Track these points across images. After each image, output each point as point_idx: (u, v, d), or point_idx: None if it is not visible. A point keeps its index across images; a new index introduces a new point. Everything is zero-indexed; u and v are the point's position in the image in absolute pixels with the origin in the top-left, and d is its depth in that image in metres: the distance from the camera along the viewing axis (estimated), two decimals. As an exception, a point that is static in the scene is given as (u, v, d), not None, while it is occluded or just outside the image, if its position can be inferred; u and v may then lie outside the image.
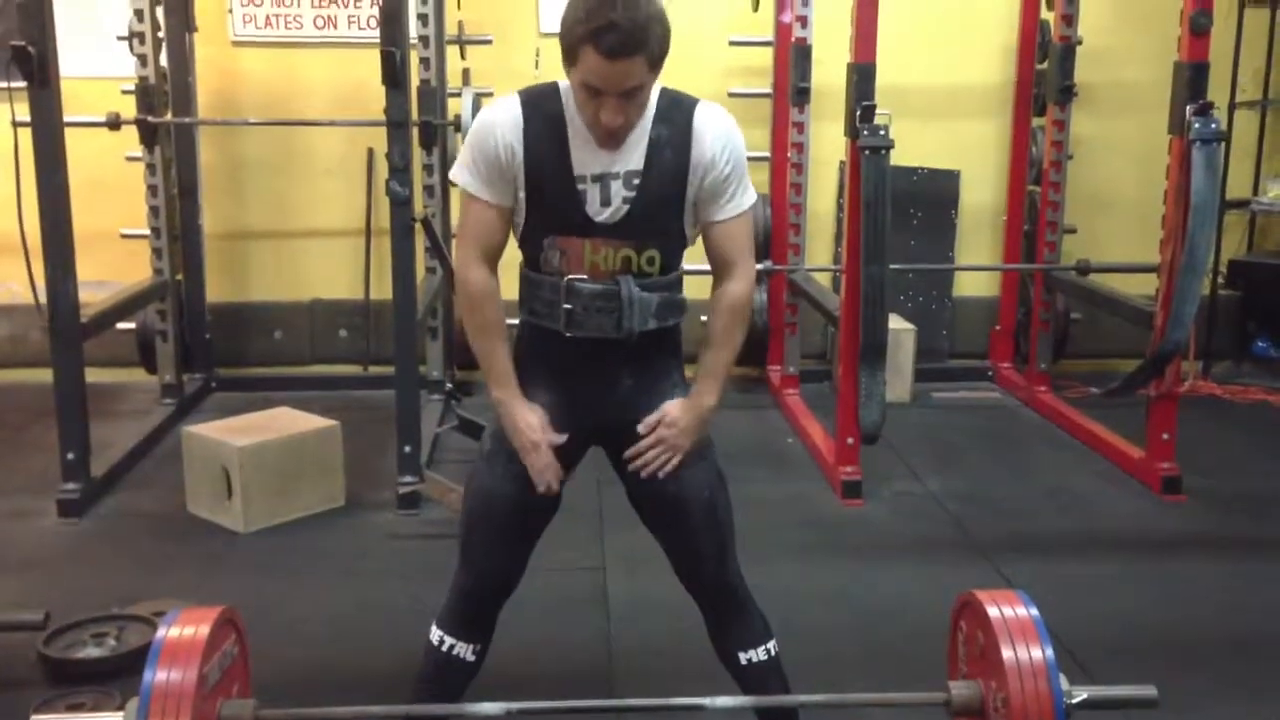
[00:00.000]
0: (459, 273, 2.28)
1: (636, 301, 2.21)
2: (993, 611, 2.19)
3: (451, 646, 2.39)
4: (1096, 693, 2.17)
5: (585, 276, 2.20)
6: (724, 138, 2.20)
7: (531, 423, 2.26)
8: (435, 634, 2.41)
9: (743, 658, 2.40)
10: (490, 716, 2.10)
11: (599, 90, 2.07)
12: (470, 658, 2.41)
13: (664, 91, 2.21)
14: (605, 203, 2.18)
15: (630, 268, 2.22)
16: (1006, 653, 2.12)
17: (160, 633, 2.09)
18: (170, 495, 4.20)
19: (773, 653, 2.41)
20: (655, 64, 2.09)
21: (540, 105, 2.19)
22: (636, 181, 2.18)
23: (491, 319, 2.28)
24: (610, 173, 2.18)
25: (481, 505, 2.36)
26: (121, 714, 2.02)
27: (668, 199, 2.21)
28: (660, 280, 2.25)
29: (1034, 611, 2.18)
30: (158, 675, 2.02)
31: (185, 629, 2.11)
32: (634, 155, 2.18)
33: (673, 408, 2.29)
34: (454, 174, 2.26)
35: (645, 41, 2.04)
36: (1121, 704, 2.18)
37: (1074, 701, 2.11)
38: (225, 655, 2.18)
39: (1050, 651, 2.11)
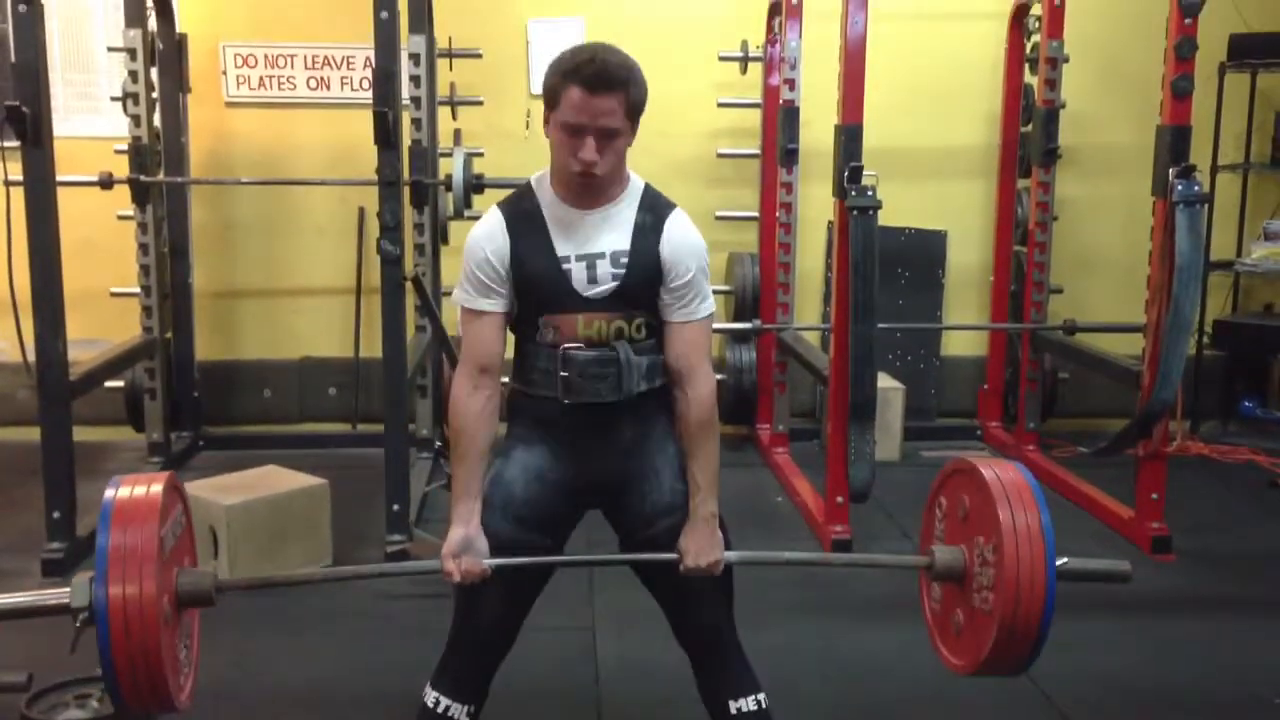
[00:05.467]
0: (453, 394, 2.34)
1: (633, 366, 2.31)
2: (988, 474, 2.12)
3: (447, 708, 2.35)
4: (1077, 564, 2.13)
5: (580, 345, 2.29)
6: (689, 245, 2.33)
7: (453, 544, 2.25)
8: (430, 695, 2.37)
9: (733, 707, 2.38)
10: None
11: (579, 129, 2.15)
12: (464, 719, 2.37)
13: (648, 186, 2.35)
14: (593, 280, 2.29)
15: (623, 335, 2.31)
16: (1003, 514, 2.02)
17: (109, 494, 1.90)
18: (156, 554, 4.16)
19: (763, 704, 2.40)
20: (632, 113, 2.20)
21: (518, 205, 2.32)
22: (625, 260, 2.29)
23: (475, 448, 2.31)
24: (595, 253, 2.28)
25: None
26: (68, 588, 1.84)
27: (652, 279, 2.31)
28: (649, 344, 2.34)
29: (1030, 479, 2.11)
30: (113, 538, 1.83)
31: (136, 489, 1.92)
32: (620, 235, 2.29)
33: (686, 541, 2.30)
34: (454, 297, 2.35)
35: (626, 81, 2.16)
36: (1100, 577, 2.17)
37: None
38: (176, 523, 2.03)
39: (1047, 516, 2.02)
